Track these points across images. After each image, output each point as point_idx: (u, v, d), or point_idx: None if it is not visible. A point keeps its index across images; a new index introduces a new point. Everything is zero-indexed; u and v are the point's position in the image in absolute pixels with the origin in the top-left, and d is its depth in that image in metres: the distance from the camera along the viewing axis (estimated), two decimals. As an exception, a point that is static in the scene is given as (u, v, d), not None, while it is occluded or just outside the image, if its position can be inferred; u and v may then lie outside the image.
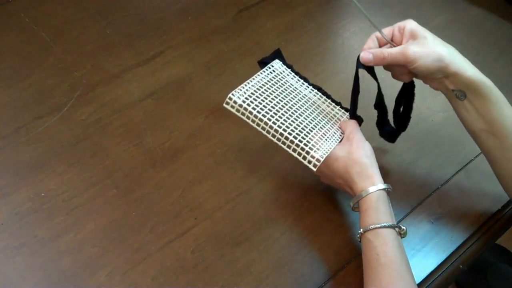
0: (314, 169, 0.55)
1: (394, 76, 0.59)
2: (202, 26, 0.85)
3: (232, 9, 0.88)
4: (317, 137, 0.58)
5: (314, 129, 0.59)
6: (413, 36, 0.55)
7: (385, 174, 0.62)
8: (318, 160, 0.55)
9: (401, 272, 0.49)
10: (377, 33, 0.58)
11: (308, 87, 0.65)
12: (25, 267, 0.58)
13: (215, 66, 0.80)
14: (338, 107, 0.64)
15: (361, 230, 0.53)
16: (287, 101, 0.61)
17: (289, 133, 0.56)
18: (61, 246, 0.60)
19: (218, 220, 0.63)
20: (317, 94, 0.65)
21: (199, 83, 0.77)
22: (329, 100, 0.65)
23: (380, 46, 0.58)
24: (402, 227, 0.53)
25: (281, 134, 0.57)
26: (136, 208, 0.63)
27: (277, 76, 0.63)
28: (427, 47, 0.53)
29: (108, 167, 0.67)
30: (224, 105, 0.58)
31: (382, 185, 0.54)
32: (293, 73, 0.65)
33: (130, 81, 0.77)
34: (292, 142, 0.56)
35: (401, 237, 0.53)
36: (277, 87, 0.62)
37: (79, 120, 0.72)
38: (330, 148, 0.57)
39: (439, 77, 0.55)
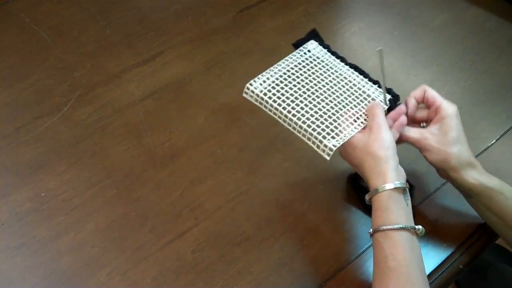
0: (328, 158, 0.54)
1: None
2: (202, 26, 0.85)
3: (232, 9, 0.88)
4: (340, 120, 0.57)
5: (340, 111, 0.58)
6: (441, 118, 0.55)
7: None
8: (330, 149, 0.54)
9: (410, 276, 0.47)
10: (415, 94, 0.59)
11: (345, 67, 0.63)
12: (25, 267, 0.58)
13: (215, 66, 0.80)
14: (375, 86, 0.62)
15: (371, 230, 0.51)
16: (314, 84, 0.60)
17: (303, 122, 0.56)
18: (61, 246, 0.60)
19: (218, 220, 0.63)
20: (354, 73, 0.63)
21: (199, 83, 0.77)
22: (365, 80, 0.63)
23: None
24: (417, 226, 0.50)
25: (296, 123, 0.57)
26: (136, 208, 0.63)
27: (310, 57, 0.63)
28: (442, 143, 0.55)
29: (108, 167, 0.67)
30: (243, 94, 0.59)
31: (393, 184, 0.51)
32: (329, 53, 0.64)
33: (130, 81, 0.77)
34: (306, 131, 0.56)
35: (418, 237, 0.51)
36: (307, 69, 0.62)
37: (79, 120, 0.72)
38: (350, 134, 0.56)
39: (445, 173, 0.57)
